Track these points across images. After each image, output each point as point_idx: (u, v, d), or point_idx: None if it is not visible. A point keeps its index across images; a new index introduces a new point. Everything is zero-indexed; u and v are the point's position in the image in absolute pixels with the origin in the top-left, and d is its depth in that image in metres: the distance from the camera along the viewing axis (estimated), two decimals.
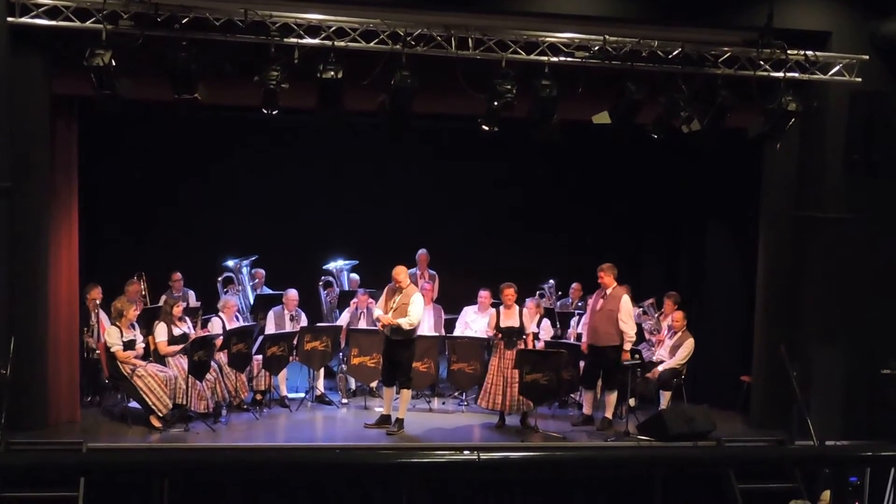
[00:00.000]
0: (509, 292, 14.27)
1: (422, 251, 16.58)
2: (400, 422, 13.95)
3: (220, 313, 14.85)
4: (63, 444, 12.75)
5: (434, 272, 16.62)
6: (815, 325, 14.30)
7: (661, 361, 14.98)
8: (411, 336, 13.95)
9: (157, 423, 13.45)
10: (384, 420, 14.07)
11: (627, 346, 14.18)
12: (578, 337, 15.25)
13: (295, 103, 12.96)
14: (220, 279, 16.47)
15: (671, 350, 15.00)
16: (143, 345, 13.95)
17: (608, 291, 14.22)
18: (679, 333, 15.00)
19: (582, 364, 14.65)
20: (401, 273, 14.04)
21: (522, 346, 14.15)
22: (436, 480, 11.64)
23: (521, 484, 12.98)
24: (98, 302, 14.71)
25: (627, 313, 14.23)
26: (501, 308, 14.31)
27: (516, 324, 14.19)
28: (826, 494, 10.57)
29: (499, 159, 17.77)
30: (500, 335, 14.14)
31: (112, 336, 13.59)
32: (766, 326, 14.62)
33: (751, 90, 13.30)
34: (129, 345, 13.64)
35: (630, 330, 14.27)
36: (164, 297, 15.51)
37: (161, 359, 13.90)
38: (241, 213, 17.70)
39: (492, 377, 14.09)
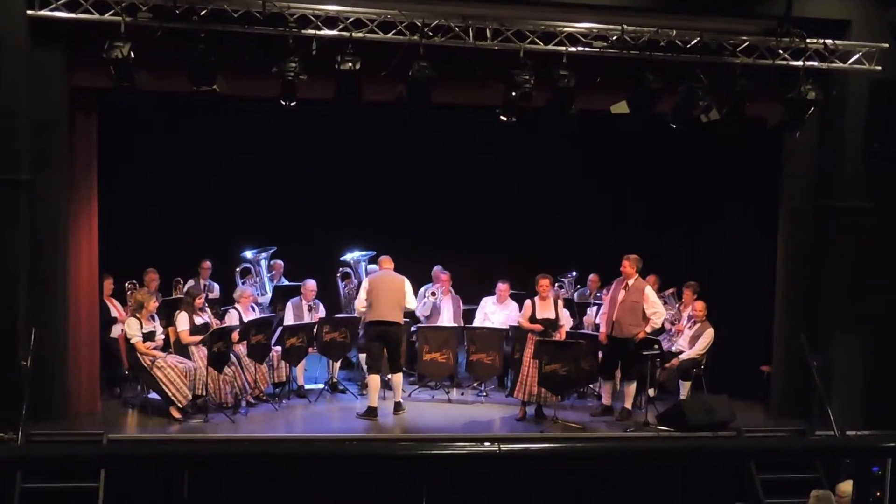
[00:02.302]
0: (545, 283, 14.25)
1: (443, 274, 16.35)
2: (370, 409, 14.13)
3: (236, 304, 14.88)
4: (84, 436, 12.76)
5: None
6: (836, 314, 14.24)
7: (681, 352, 14.97)
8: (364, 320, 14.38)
9: (177, 415, 13.47)
10: (397, 406, 14.31)
11: (649, 329, 14.15)
12: (596, 327, 15.23)
13: (313, 95, 12.97)
14: (237, 270, 16.52)
15: (691, 340, 14.99)
16: (163, 336, 13.99)
17: (630, 283, 14.15)
18: (699, 323, 14.98)
19: (601, 354, 14.63)
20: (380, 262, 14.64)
21: (557, 338, 14.16)
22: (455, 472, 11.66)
23: (540, 474, 12.99)
24: (110, 293, 14.80)
25: (654, 302, 14.19)
26: (536, 299, 14.28)
27: (552, 315, 14.19)
28: (843, 486, 10.51)
29: (516, 150, 17.78)
30: (542, 327, 14.11)
31: (132, 328, 13.62)
32: (787, 316, 14.57)
33: (770, 79, 13.25)
34: (148, 336, 13.66)
35: (659, 319, 14.23)
36: (188, 283, 15.58)
37: (182, 350, 13.93)
38: (259, 204, 17.75)
39: (527, 368, 14.05)
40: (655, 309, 14.14)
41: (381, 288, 14.14)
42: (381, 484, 12.75)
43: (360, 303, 14.34)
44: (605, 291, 15.23)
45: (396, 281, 14.27)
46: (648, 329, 14.11)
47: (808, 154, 14.28)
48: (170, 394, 13.42)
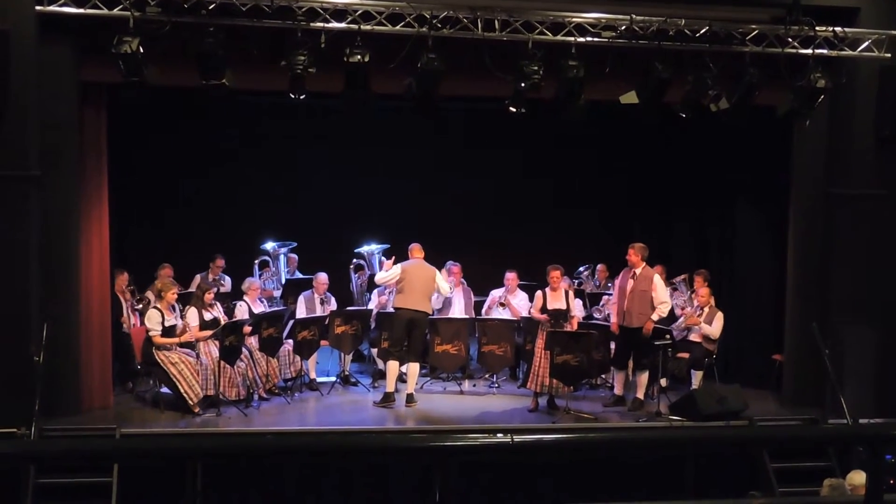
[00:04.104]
0: (556, 274, 14.26)
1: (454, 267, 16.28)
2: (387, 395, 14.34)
3: (244, 296, 14.86)
4: (96, 430, 12.81)
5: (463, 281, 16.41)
6: (847, 302, 14.22)
7: (695, 342, 14.89)
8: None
9: (196, 409, 13.46)
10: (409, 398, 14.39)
11: (656, 318, 14.12)
12: (607, 318, 15.23)
13: (322, 87, 12.97)
14: (256, 262, 16.52)
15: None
16: (184, 329, 13.89)
17: (637, 272, 14.14)
18: (707, 309, 14.92)
19: (612, 345, 14.61)
20: (411, 250, 14.65)
21: (569, 329, 14.15)
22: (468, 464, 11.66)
23: (552, 465, 12.99)
24: (124, 287, 14.79)
25: (662, 292, 14.19)
26: (548, 290, 14.28)
27: (563, 306, 14.18)
28: (853, 476, 10.49)
29: (525, 141, 17.78)
30: (549, 318, 14.11)
31: (151, 320, 13.58)
32: (798, 304, 14.55)
33: (779, 67, 13.24)
34: (169, 330, 13.64)
35: (665, 309, 14.22)
36: (197, 278, 15.55)
37: (191, 345, 13.92)
38: (270, 198, 17.78)
39: (538, 359, 14.05)
40: (663, 299, 14.13)
41: (413, 277, 14.34)
42: (391, 478, 12.77)
43: (383, 277, 14.59)
44: (616, 281, 15.20)
45: (428, 271, 14.48)
46: (655, 317, 14.08)
47: (819, 142, 14.26)
48: (182, 390, 13.41)
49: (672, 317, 15.02)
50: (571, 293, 14.61)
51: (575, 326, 14.30)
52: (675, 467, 12.91)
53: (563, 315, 14.15)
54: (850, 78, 13.77)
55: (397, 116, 16.27)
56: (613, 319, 14.45)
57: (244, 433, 12.99)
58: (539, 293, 14.37)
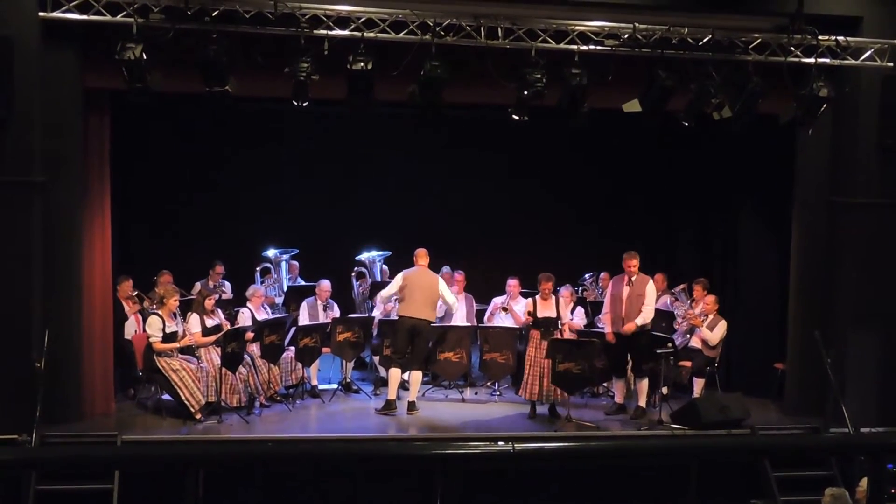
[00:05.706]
0: (548, 285, 14.26)
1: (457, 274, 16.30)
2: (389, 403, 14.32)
3: (248, 303, 14.85)
4: (98, 437, 12.77)
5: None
6: (850, 310, 14.22)
7: (695, 349, 14.89)
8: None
9: (198, 416, 13.46)
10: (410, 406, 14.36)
11: (640, 322, 14.11)
12: None
13: (325, 94, 12.99)
14: (258, 269, 16.52)
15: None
16: (184, 335, 13.87)
17: (633, 278, 14.16)
18: (711, 317, 14.91)
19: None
20: (416, 255, 14.56)
21: (559, 336, 14.13)
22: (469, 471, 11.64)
23: (553, 473, 12.98)
24: (130, 293, 14.77)
25: (651, 298, 14.21)
26: (538, 298, 14.29)
27: (553, 314, 14.19)
28: (865, 482, 10.51)
29: (529, 149, 17.78)
30: (532, 321, 14.11)
31: (153, 326, 13.55)
32: (800, 313, 14.54)
33: (782, 76, 13.23)
34: (170, 337, 13.60)
35: (651, 314, 14.22)
36: (198, 285, 15.53)
37: (192, 351, 13.91)
38: (274, 204, 17.77)
39: (529, 367, 14.07)
40: (649, 304, 14.15)
41: (415, 284, 14.28)
42: (394, 485, 12.75)
43: (386, 292, 14.57)
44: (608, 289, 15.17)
45: (431, 278, 14.42)
46: (639, 321, 14.04)
47: (822, 150, 14.26)
48: (183, 397, 13.39)
49: (672, 321, 15.04)
50: (564, 301, 14.57)
51: (567, 334, 14.29)
52: (676, 476, 12.89)
53: (552, 323, 14.15)
54: (853, 87, 13.79)
55: (400, 123, 16.28)
56: (608, 329, 14.38)
57: (246, 440, 12.99)
58: (529, 300, 14.43)
